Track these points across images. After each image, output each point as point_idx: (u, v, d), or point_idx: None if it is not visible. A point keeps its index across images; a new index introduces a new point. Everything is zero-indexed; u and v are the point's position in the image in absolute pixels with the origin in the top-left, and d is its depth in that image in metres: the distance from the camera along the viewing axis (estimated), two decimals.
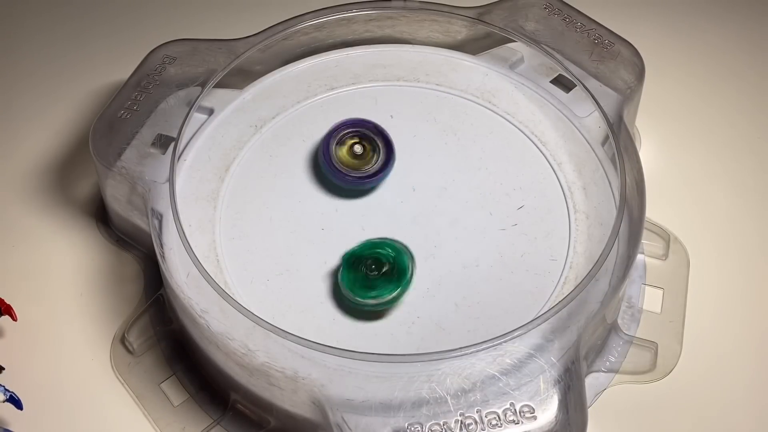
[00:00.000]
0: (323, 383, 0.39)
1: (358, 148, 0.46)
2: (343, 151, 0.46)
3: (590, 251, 0.44)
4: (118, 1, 0.62)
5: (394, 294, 0.42)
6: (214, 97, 0.50)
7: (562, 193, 0.46)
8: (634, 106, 0.50)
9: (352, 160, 0.46)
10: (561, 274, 0.44)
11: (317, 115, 0.49)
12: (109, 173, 0.46)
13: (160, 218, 0.45)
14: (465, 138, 0.49)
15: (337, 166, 0.46)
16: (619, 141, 0.46)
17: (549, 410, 0.39)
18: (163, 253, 0.44)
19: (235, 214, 0.46)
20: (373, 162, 0.46)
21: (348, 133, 0.47)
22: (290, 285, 0.43)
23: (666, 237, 0.49)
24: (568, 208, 0.46)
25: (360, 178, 0.46)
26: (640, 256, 0.49)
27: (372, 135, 0.47)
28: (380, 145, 0.46)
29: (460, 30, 0.53)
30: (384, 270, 0.42)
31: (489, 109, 0.50)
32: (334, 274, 0.44)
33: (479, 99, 0.50)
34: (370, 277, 0.42)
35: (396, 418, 0.38)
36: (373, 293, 0.41)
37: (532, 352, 0.40)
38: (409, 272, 0.42)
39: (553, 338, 0.41)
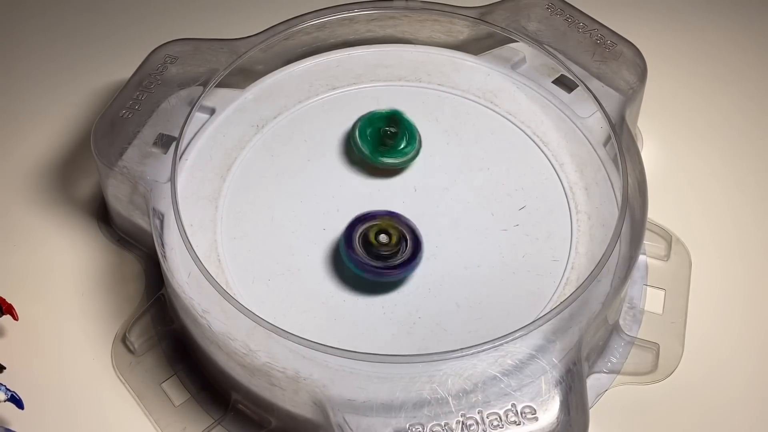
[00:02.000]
0: (325, 383, 0.39)
1: (383, 238, 0.43)
2: (369, 238, 0.43)
3: (592, 252, 0.44)
4: (119, 1, 0.62)
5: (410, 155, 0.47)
6: (216, 97, 0.50)
7: (563, 193, 0.46)
8: (636, 107, 0.50)
9: (376, 249, 0.43)
10: (563, 275, 0.43)
11: (319, 114, 0.49)
12: (110, 173, 0.46)
13: (161, 218, 0.45)
14: (467, 138, 0.49)
15: (357, 251, 0.43)
16: (621, 141, 0.46)
17: (550, 411, 0.39)
18: (164, 252, 0.44)
19: (237, 213, 0.46)
20: (399, 254, 0.43)
21: (373, 224, 0.43)
22: (292, 285, 0.43)
23: (668, 238, 0.49)
24: (569, 208, 0.46)
25: (378, 268, 0.42)
26: (641, 257, 0.49)
27: (400, 228, 0.43)
28: (408, 238, 0.43)
29: (462, 30, 0.53)
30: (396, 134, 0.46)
31: (491, 110, 0.50)
32: (335, 274, 0.44)
33: (481, 99, 0.50)
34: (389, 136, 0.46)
35: (397, 419, 0.38)
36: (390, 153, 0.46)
37: (533, 352, 0.40)
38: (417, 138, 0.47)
39: (555, 339, 0.41)
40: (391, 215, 0.44)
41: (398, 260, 0.43)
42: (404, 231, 0.43)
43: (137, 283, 0.48)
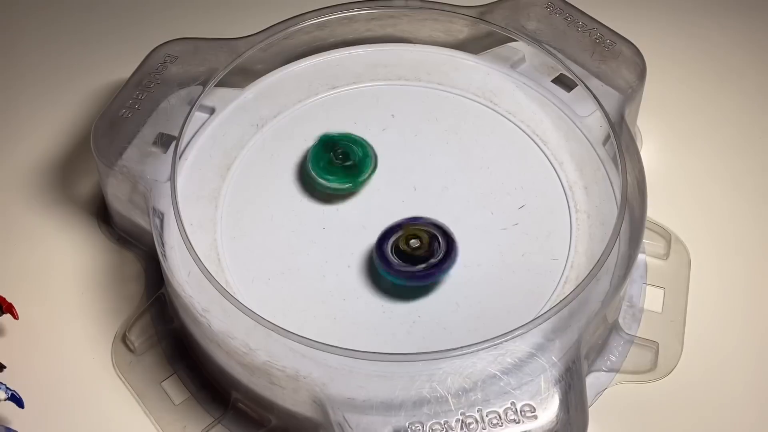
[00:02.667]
0: (324, 382, 0.39)
1: (414, 242, 0.43)
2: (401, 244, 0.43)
3: (591, 251, 0.44)
4: (119, 1, 0.62)
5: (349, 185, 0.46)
6: (216, 96, 0.50)
7: (563, 192, 0.46)
8: (635, 106, 0.50)
9: (409, 253, 0.43)
10: (562, 274, 0.44)
11: (318, 114, 0.49)
12: (110, 172, 0.46)
13: (161, 217, 0.45)
14: (466, 137, 0.49)
15: (390, 257, 0.43)
16: (621, 140, 0.46)
17: (550, 409, 0.39)
18: (164, 251, 0.44)
19: (237, 213, 0.46)
20: (436, 253, 0.43)
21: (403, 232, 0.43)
22: (291, 284, 0.43)
23: (667, 236, 0.49)
24: (569, 207, 0.46)
25: (412, 273, 0.42)
26: (641, 256, 0.49)
27: (432, 231, 0.43)
28: (440, 239, 0.43)
29: (462, 29, 0.53)
30: (348, 163, 0.46)
31: (490, 109, 0.50)
32: (336, 274, 0.44)
33: (481, 98, 0.50)
34: (335, 164, 0.46)
35: (397, 418, 0.38)
36: (334, 179, 0.45)
37: (533, 351, 0.40)
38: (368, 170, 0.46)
39: (554, 337, 0.41)
40: (412, 220, 0.44)
41: (438, 256, 0.43)
42: (431, 229, 0.43)
43: (137, 282, 0.48)
